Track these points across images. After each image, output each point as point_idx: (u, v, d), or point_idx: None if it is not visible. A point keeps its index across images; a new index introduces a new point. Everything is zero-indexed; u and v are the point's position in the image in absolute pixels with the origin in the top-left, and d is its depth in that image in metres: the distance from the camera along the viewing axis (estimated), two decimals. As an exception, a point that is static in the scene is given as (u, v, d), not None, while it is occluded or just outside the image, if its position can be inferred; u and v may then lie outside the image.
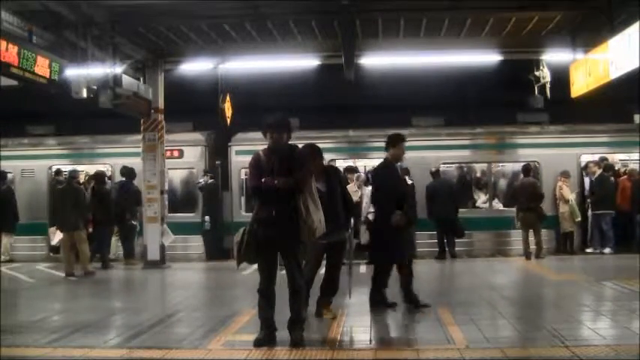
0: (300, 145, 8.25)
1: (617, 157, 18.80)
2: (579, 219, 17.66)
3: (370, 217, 15.57)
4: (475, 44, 16.38)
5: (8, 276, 14.83)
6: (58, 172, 18.85)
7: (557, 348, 7.02)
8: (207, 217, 18.37)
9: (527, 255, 16.40)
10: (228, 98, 18.44)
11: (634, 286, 11.03)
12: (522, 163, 18.09)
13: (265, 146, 7.72)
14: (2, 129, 18.08)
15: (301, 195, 7.42)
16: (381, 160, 10.20)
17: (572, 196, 17.58)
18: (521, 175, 17.03)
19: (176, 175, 19.85)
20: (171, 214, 18.07)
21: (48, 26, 13.49)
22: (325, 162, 9.90)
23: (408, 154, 18.05)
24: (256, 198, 7.82)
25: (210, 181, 18.55)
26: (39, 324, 9.25)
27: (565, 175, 17.76)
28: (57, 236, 15.68)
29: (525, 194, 16.46)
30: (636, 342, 7.06)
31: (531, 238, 16.56)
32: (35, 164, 19.80)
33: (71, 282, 14.27)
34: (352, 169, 17.16)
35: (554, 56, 16.69)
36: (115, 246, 17.70)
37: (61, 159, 20.08)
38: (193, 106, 19.83)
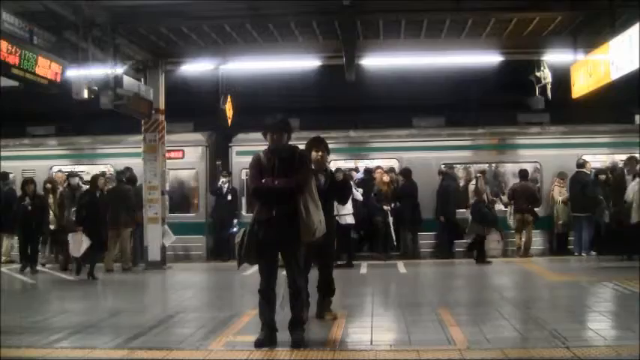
0: (300, 146, 8.25)
1: (617, 158, 18.69)
2: (561, 222, 17.65)
3: (341, 220, 15.14)
4: (476, 45, 16.37)
5: (9, 277, 14.86)
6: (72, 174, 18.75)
7: (558, 349, 7.03)
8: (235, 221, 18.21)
9: (520, 254, 17.28)
10: (229, 99, 18.46)
11: (634, 287, 11.04)
12: (523, 164, 18.16)
13: (266, 147, 7.73)
14: (3, 129, 18.10)
15: (301, 196, 7.42)
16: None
17: (560, 198, 17.57)
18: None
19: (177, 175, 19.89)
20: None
21: (49, 27, 13.49)
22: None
23: (409, 155, 18.50)
24: (256, 199, 7.82)
25: (227, 183, 18.47)
26: (40, 325, 9.26)
27: (561, 176, 17.79)
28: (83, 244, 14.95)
29: (523, 197, 17.13)
30: (636, 343, 7.07)
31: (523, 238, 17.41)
32: (36, 164, 19.83)
33: (72, 283, 14.31)
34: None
35: (555, 57, 16.67)
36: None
37: (61, 159, 20.16)
38: (194, 106, 19.82)
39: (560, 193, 17.61)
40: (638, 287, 10.81)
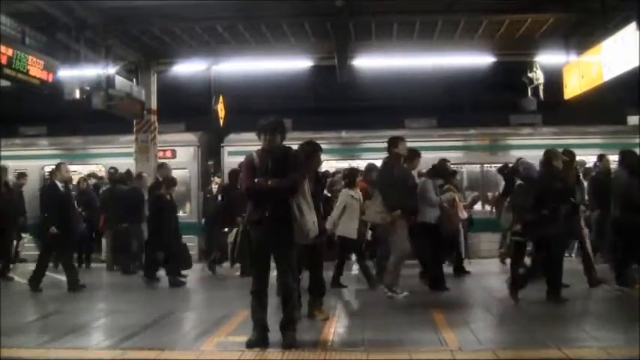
0: (294, 147, 8.23)
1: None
2: None
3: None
4: (468, 46, 16.41)
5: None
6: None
7: (550, 350, 7.03)
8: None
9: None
10: (221, 99, 18.45)
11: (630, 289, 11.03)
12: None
13: (259, 147, 7.71)
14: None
15: (294, 196, 7.40)
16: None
17: None
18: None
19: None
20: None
21: (41, 28, 13.48)
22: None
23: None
24: (249, 198, 7.79)
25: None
26: (33, 325, 9.24)
27: None
28: None
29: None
30: (628, 344, 7.08)
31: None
32: (28, 164, 19.78)
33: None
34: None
35: (547, 58, 16.71)
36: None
37: (54, 159, 20.11)
38: (186, 106, 19.81)
39: None
40: (637, 290, 10.78)
